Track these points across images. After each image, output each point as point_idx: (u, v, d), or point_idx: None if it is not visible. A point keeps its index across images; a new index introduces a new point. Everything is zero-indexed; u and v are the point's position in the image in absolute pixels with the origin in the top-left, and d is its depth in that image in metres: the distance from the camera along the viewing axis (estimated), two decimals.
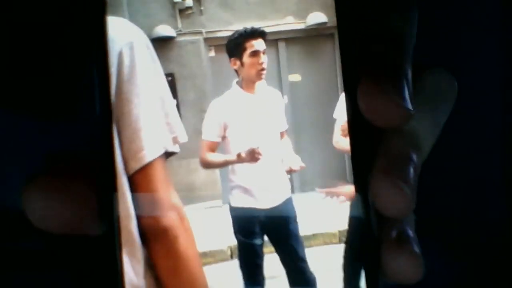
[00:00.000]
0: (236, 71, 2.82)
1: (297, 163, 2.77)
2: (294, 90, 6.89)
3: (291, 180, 2.95)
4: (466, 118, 0.24)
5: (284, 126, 2.98)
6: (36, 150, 0.20)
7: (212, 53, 6.76)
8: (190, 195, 5.91)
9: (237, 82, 2.84)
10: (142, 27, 1.01)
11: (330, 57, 7.01)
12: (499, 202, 0.24)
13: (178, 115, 1.00)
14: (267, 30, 2.95)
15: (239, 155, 2.63)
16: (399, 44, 0.21)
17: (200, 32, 6.67)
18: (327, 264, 3.99)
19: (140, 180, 0.92)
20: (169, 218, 0.95)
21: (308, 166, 2.85)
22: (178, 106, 6.10)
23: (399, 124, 0.21)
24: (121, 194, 0.89)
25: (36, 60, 0.19)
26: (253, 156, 2.60)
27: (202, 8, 6.65)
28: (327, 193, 2.56)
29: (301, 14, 6.84)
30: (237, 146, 2.70)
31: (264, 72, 2.75)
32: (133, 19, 5.70)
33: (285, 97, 3.02)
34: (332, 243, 4.94)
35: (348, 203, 2.71)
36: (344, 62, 0.22)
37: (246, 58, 2.72)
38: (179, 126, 1.00)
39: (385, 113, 0.21)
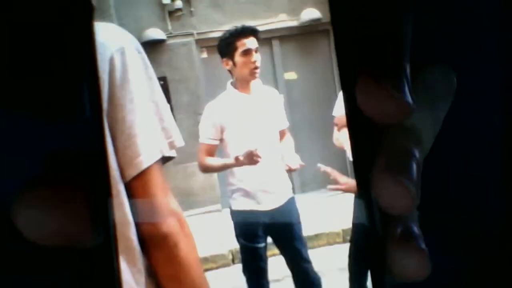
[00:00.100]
0: (229, 71, 2.82)
1: (296, 161, 2.76)
2: (290, 88, 6.88)
3: (291, 180, 2.94)
4: (466, 115, 0.24)
5: (285, 124, 2.97)
6: (25, 154, 0.20)
7: (205, 55, 6.75)
8: (188, 200, 5.90)
9: (232, 83, 2.83)
10: (131, 31, 1.01)
11: (326, 53, 7.00)
12: (500, 198, 0.24)
13: (173, 120, 1.01)
14: (260, 28, 2.95)
15: (237, 159, 2.63)
16: (397, 39, 0.21)
17: (191, 34, 6.65)
18: (331, 264, 4.00)
19: (137, 186, 0.92)
20: (169, 224, 0.95)
21: (308, 165, 2.84)
22: (171, 110, 6.08)
23: (400, 120, 0.21)
24: (119, 201, 0.90)
25: (22, 63, 0.19)
26: (251, 158, 2.59)
27: (192, 9, 6.64)
28: (330, 175, 2.54)
29: (294, 11, 6.83)
30: (235, 149, 2.70)
31: (258, 70, 2.74)
32: (121, 23, 5.70)
33: (281, 96, 2.99)
34: (336, 242, 4.94)
35: (350, 200, 2.70)
36: (340, 58, 0.22)
37: (238, 57, 2.71)
38: (175, 130, 1.00)
39: (386, 109, 0.21)
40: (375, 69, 0.21)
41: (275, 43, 6.94)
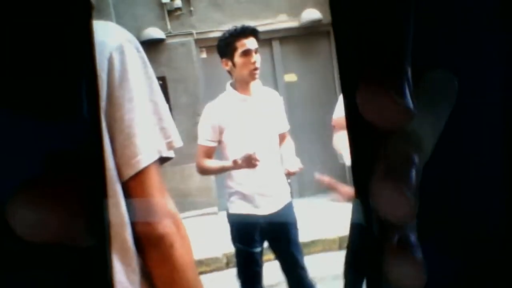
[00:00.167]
0: (229, 72, 2.80)
1: (295, 165, 2.75)
2: (290, 90, 6.88)
3: (289, 184, 2.94)
4: (467, 118, 0.24)
5: (285, 127, 2.96)
6: (22, 153, 0.20)
7: (204, 55, 6.75)
8: (184, 202, 5.90)
9: (231, 84, 2.82)
10: (130, 30, 1.01)
11: (327, 55, 6.99)
12: (501, 204, 0.24)
13: (172, 120, 1.01)
14: (260, 29, 2.93)
15: (235, 162, 2.62)
16: (398, 42, 0.22)
17: (191, 33, 6.65)
18: (327, 271, 3.99)
19: (134, 186, 0.93)
20: (165, 225, 0.95)
21: (306, 169, 2.83)
22: (170, 110, 6.04)
23: (401, 125, 0.21)
24: (115, 201, 0.90)
25: (19, 61, 0.20)
26: (249, 162, 2.59)
27: (191, 8, 6.63)
28: (328, 184, 2.53)
29: (295, 12, 6.82)
30: (233, 151, 2.69)
31: (257, 71, 2.72)
32: (120, 21, 5.70)
33: (281, 98, 2.98)
34: (332, 249, 4.92)
35: (348, 207, 2.70)
36: (341, 62, 0.23)
37: (237, 58, 2.70)
38: (173, 130, 1.00)
39: (387, 114, 0.21)
40: (376, 73, 0.21)
41: (275, 44, 6.94)
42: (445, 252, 0.25)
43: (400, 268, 0.21)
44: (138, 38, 1.00)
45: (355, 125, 0.22)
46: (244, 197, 2.75)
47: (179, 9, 6.54)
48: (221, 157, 2.82)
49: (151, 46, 6.20)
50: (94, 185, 0.21)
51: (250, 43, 2.72)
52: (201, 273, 4.49)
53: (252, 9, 6.69)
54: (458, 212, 0.25)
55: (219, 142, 2.78)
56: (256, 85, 2.80)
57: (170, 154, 1.00)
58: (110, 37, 0.93)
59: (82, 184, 0.21)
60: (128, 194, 0.93)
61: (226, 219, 2.87)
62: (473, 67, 0.24)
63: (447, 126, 0.24)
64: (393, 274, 0.22)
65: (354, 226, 2.73)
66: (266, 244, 2.88)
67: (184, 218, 1.14)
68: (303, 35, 6.98)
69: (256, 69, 2.71)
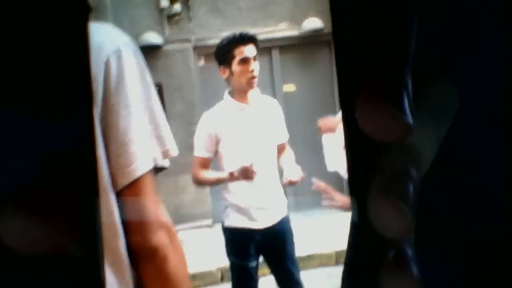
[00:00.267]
0: (226, 80, 2.80)
1: (296, 174, 2.74)
2: (289, 101, 6.88)
3: (286, 197, 2.93)
4: (467, 124, 0.24)
5: (285, 137, 2.96)
6: (13, 155, 0.20)
7: (202, 62, 6.76)
8: (178, 213, 5.88)
9: (229, 92, 2.82)
10: (127, 35, 1.01)
11: (327, 65, 7.00)
12: (502, 212, 0.24)
13: (168, 128, 1.01)
14: (260, 37, 2.94)
15: (231, 174, 2.62)
16: (399, 54, 0.21)
17: (189, 40, 6.67)
18: (323, 286, 3.98)
19: (128, 196, 0.92)
20: (159, 237, 0.95)
21: (303, 182, 2.82)
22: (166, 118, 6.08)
23: (399, 139, 0.21)
24: (109, 211, 0.89)
25: (12, 62, 0.20)
26: (246, 174, 2.59)
27: (191, 14, 6.65)
28: (324, 191, 2.52)
29: (296, 20, 6.84)
30: (230, 162, 2.69)
31: (255, 80, 2.72)
32: (117, 25, 5.70)
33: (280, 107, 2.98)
34: (328, 264, 4.92)
35: (345, 221, 2.69)
36: (340, 73, 0.23)
37: (235, 66, 2.70)
38: (169, 139, 1.00)
39: (385, 128, 0.20)
40: (375, 87, 0.21)
41: (275, 53, 6.95)
42: (444, 262, 0.25)
43: (395, 284, 0.21)
44: (135, 43, 1.00)
45: (353, 137, 0.22)
46: (240, 209, 2.75)
47: (178, 14, 6.55)
48: (218, 168, 2.81)
49: (148, 52, 6.20)
50: (86, 191, 0.21)
51: (249, 50, 2.71)
52: (195, 287, 4.48)
53: (253, 16, 6.72)
54: (458, 221, 0.25)
55: (216, 152, 2.77)
56: (254, 93, 2.80)
57: (166, 163, 1.00)
58: (108, 40, 0.93)
59: (73, 188, 0.20)
60: (122, 204, 0.92)
61: (221, 232, 2.87)
62: (473, 72, 0.24)
63: (448, 135, 0.24)
64: None
65: (351, 241, 2.71)
66: (261, 258, 2.88)
67: (178, 230, 1.13)
68: (303, 44, 6.99)
69: (254, 77, 2.71)
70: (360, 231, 0.23)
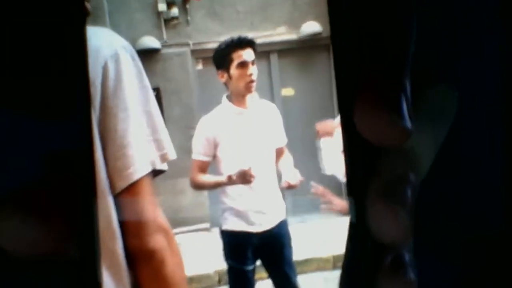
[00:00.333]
0: (225, 84, 2.80)
1: (295, 177, 2.72)
2: (287, 105, 6.86)
3: (284, 201, 2.93)
4: (466, 125, 0.24)
5: (283, 141, 2.95)
6: (10, 155, 0.20)
7: (200, 66, 6.75)
8: (176, 217, 5.86)
9: (227, 97, 2.81)
10: (125, 39, 1.01)
11: (325, 69, 6.98)
12: (502, 214, 0.25)
13: (166, 131, 1.01)
14: (258, 41, 2.93)
15: (229, 177, 2.61)
16: (397, 59, 0.21)
17: (187, 44, 6.65)
18: None
19: (126, 199, 0.93)
20: (156, 240, 0.95)
21: (301, 186, 2.81)
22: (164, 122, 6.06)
23: (398, 144, 0.21)
24: (107, 214, 0.89)
25: (10, 62, 0.20)
26: (244, 178, 2.58)
27: (189, 18, 6.64)
28: (322, 195, 2.52)
29: (294, 24, 6.82)
30: (228, 166, 2.68)
31: (254, 84, 2.71)
32: (115, 29, 5.70)
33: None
34: (326, 269, 4.90)
35: (342, 225, 2.69)
36: (338, 77, 0.23)
37: (233, 69, 2.69)
38: (167, 142, 1.00)
39: (384, 133, 0.21)
40: (373, 92, 0.21)
41: (273, 57, 6.93)
42: (444, 262, 0.25)
43: None
44: (133, 47, 1.00)
45: (351, 141, 0.23)
46: (238, 213, 2.75)
47: (176, 18, 6.53)
48: (216, 172, 2.81)
49: (146, 56, 6.19)
50: (85, 192, 0.21)
51: (247, 54, 2.71)
52: None
53: (251, 20, 6.70)
54: (458, 221, 0.25)
55: (214, 156, 2.77)
56: (253, 98, 2.80)
57: (164, 166, 1.00)
58: (106, 44, 0.93)
59: (70, 191, 0.20)
60: (119, 207, 0.92)
61: (218, 236, 2.86)
62: (473, 72, 0.24)
63: (447, 137, 0.24)
64: None
65: (349, 245, 2.71)
66: (259, 262, 2.87)
67: (176, 233, 1.13)
68: (302, 48, 6.98)
69: (252, 81, 2.70)
70: (358, 236, 0.23)
